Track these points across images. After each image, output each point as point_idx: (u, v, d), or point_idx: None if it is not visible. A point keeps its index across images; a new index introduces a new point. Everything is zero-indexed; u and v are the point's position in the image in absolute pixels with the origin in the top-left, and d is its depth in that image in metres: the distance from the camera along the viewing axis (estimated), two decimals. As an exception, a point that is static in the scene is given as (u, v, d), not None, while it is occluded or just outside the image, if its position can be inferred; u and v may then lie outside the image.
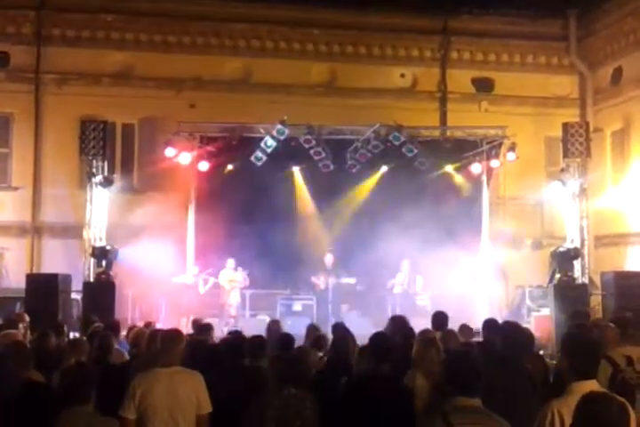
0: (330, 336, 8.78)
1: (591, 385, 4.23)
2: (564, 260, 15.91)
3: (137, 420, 5.26)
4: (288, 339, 7.65)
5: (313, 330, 9.03)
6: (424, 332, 7.14)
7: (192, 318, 13.09)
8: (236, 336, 7.33)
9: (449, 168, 17.93)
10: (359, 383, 5.56)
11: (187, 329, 11.61)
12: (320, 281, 16.67)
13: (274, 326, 9.75)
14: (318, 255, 17.00)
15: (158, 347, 5.73)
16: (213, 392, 5.53)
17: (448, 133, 19.03)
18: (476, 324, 12.63)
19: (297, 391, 5.29)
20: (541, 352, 8.30)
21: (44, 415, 4.63)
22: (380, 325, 12.53)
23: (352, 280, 16.76)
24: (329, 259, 16.93)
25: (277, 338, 7.92)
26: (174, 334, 5.87)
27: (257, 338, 7.13)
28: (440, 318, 8.34)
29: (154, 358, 5.67)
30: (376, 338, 6.03)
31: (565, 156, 16.43)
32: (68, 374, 4.80)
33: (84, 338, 8.52)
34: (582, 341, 4.67)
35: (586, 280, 16.13)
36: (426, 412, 4.32)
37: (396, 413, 5.10)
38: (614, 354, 6.25)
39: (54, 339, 7.96)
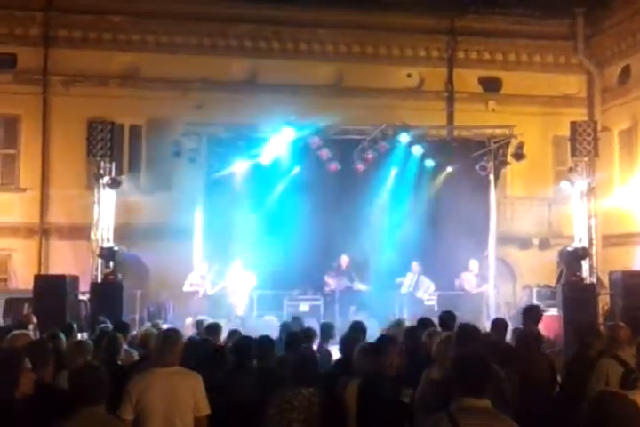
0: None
1: None
2: (572, 259, 15.85)
3: (134, 420, 5.20)
4: (295, 338, 7.64)
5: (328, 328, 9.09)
6: (430, 332, 7.11)
7: (196, 318, 13.07)
8: (242, 337, 7.30)
9: (456, 168, 17.86)
10: (369, 384, 5.53)
11: (191, 330, 11.61)
12: (333, 281, 16.64)
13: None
14: (332, 256, 16.93)
15: (156, 347, 5.67)
16: (219, 394, 5.49)
17: (455, 133, 19.00)
18: (484, 324, 12.64)
19: (310, 392, 5.26)
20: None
21: (55, 417, 4.63)
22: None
23: (364, 287, 16.71)
24: (344, 260, 16.89)
25: (285, 337, 7.92)
26: (172, 333, 5.80)
27: (265, 339, 7.11)
28: (447, 318, 8.30)
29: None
30: (379, 340, 6.01)
31: (573, 155, 16.37)
32: (78, 375, 4.78)
33: (89, 339, 8.50)
34: None
35: (594, 280, 16.07)
36: (433, 411, 4.30)
37: (404, 413, 5.08)
38: (624, 354, 6.24)
39: (64, 340, 7.96)
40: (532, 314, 8.65)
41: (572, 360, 6.97)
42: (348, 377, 5.88)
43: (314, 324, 13.79)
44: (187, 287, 16.28)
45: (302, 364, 5.54)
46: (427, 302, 16.68)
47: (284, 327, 9.20)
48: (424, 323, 7.98)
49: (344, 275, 16.74)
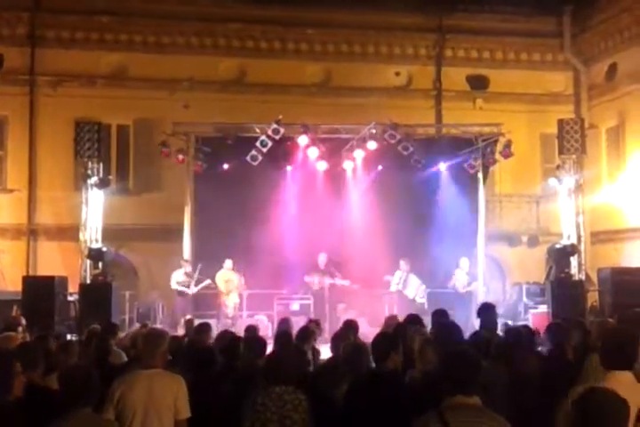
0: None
1: (625, 377, 4.20)
2: (561, 256, 15.91)
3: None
4: (286, 337, 7.62)
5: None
6: (417, 330, 7.11)
7: (186, 318, 13.07)
8: (231, 337, 7.29)
9: (444, 166, 17.89)
10: (361, 383, 5.51)
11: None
12: (314, 281, 16.65)
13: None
14: (312, 255, 16.97)
15: (140, 348, 5.66)
16: (205, 394, 5.47)
17: (443, 131, 19.07)
18: (473, 322, 12.66)
19: (283, 390, 5.24)
20: (540, 349, 8.26)
21: (46, 418, 4.62)
22: (377, 323, 12.58)
23: (346, 282, 16.74)
24: (322, 259, 16.90)
25: (276, 337, 7.90)
26: (156, 334, 5.77)
27: (254, 338, 7.10)
28: (440, 316, 8.29)
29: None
30: (377, 338, 5.99)
31: (561, 152, 16.43)
32: (68, 376, 4.77)
33: (74, 340, 8.48)
34: (618, 332, 4.66)
35: (582, 277, 16.13)
36: (422, 410, 4.29)
37: (398, 412, 5.06)
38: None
39: (53, 341, 7.93)
40: (488, 311, 8.59)
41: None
42: (337, 376, 5.86)
43: (304, 323, 13.78)
44: (174, 285, 16.25)
45: (273, 363, 5.52)
46: (418, 301, 16.71)
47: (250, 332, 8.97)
48: (412, 320, 7.97)
49: (324, 273, 16.74)
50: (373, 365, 5.71)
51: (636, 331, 4.56)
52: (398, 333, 7.11)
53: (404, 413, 4.88)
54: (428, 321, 8.25)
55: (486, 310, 8.54)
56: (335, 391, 5.65)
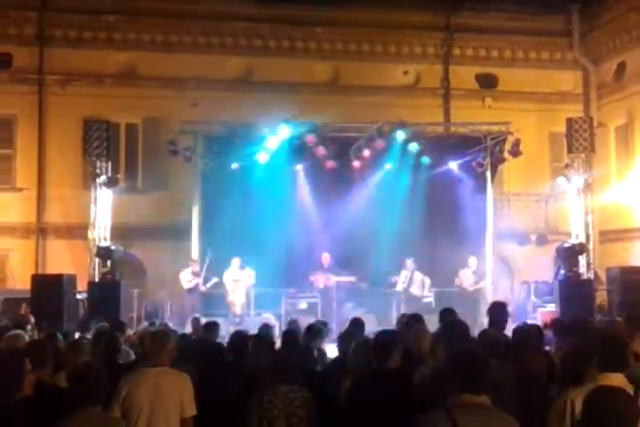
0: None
1: (618, 378, 4.20)
2: (570, 255, 15.89)
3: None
4: (293, 336, 7.62)
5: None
6: (418, 330, 7.09)
7: (193, 316, 13.08)
8: (240, 336, 7.30)
9: (453, 165, 17.86)
10: (364, 381, 5.51)
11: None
12: (318, 280, 16.65)
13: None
14: (320, 254, 16.98)
15: (147, 346, 5.70)
16: (212, 391, 5.48)
17: (452, 130, 19.04)
18: (482, 321, 12.64)
19: (288, 389, 5.25)
20: (547, 348, 8.24)
21: (54, 416, 4.63)
22: (385, 322, 12.57)
23: (351, 278, 16.74)
24: (325, 258, 16.90)
25: (283, 336, 7.90)
26: (163, 333, 5.81)
27: (262, 337, 7.11)
28: (448, 315, 8.27)
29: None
30: (379, 336, 5.99)
31: (569, 151, 16.39)
32: (77, 374, 4.78)
33: (85, 338, 8.50)
34: (612, 334, 4.66)
35: (591, 276, 16.11)
36: (429, 408, 4.28)
37: (403, 411, 5.05)
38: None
39: (62, 340, 7.95)
40: (498, 309, 8.52)
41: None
42: (342, 373, 5.87)
43: (312, 321, 13.78)
44: (186, 285, 16.27)
45: (278, 362, 5.54)
46: (425, 300, 16.70)
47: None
48: (415, 320, 7.96)
49: (328, 272, 16.75)
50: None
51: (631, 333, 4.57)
52: (399, 331, 7.12)
53: (409, 410, 4.89)
54: (435, 320, 8.23)
55: (497, 309, 8.49)
56: (339, 388, 5.66)
